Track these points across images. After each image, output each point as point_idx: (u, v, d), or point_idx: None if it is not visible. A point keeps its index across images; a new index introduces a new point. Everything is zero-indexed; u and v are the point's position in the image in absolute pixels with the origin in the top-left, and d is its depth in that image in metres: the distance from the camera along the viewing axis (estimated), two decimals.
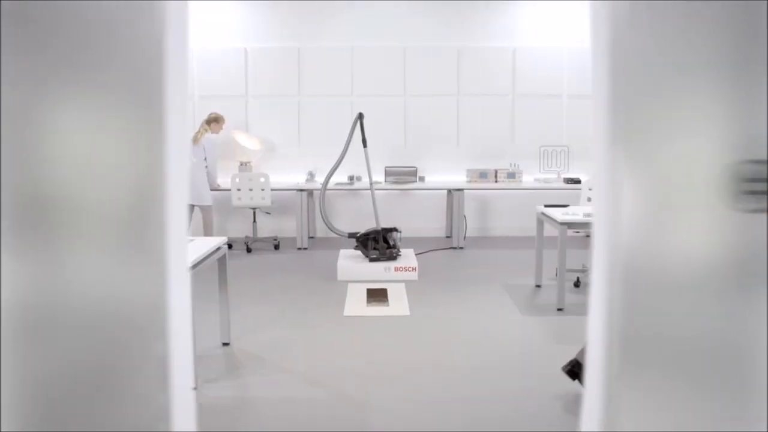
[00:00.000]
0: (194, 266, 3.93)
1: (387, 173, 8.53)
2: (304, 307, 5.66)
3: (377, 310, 5.54)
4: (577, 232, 6.37)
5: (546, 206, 6.10)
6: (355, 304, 5.71)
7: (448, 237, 8.87)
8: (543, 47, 8.78)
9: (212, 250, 4.30)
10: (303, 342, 4.81)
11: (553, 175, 8.83)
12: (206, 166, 7.65)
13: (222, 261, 4.54)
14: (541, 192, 8.75)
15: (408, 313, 5.47)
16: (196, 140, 7.67)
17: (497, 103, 8.84)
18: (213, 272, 4.55)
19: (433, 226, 8.98)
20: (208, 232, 7.70)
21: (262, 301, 5.81)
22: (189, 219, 7.35)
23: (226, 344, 4.68)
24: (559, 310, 5.53)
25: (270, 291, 6.18)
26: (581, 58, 8.77)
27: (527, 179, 8.79)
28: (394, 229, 6.88)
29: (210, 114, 7.87)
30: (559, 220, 5.46)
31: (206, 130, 7.71)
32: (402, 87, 8.76)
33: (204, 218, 7.76)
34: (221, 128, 7.97)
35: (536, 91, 8.83)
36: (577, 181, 8.49)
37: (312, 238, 8.80)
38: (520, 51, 8.76)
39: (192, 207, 7.68)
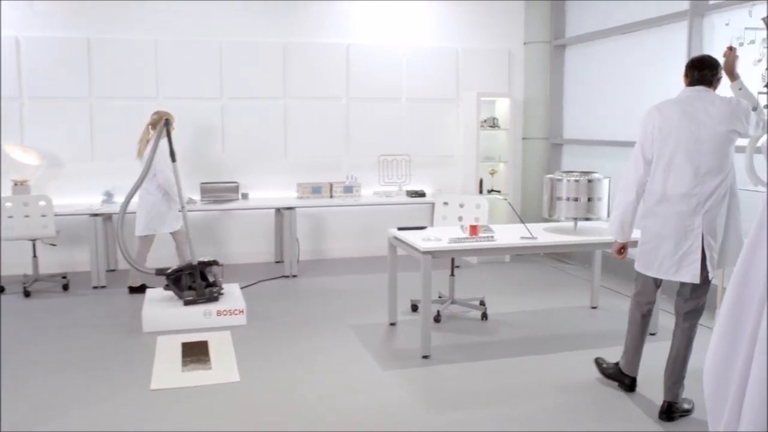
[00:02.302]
0: None
1: (203, 190, 7.14)
2: (94, 378, 4.21)
3: (196, 376, 4.22)
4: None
5: (400, 229, 5.11)
6: (167, 368, 4.35)
7: (278, 262, 7.66)
8: (380, 45, 7.84)
9: None
10: None
11: (395, 188, 7.93)
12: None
13: None
14: (383, 207, 7.83)
15: (237, 377, 4.21)
16: (140, 153, 6.13)
17: (330, 107, 7.78)
18: None
19: (261, 250, 7.72)
20: (183, 257, 6.22)
21: (36, 373, 4.28)
22: (146, 250, 6.21)
23: None
24: (425, 357, 4.55)
25: (48, 355, 4.63)
26: (421, 58, 7.96)
27: (366, 193, 7.81)
28: (214, 263, 5.57)
29: (155, 114, 6.18)
30: (422, 249, 4.48)
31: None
32: (218, 88, 7.42)
33: (179, 244, 6.27)
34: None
35: (373, 93, 7.87)
36: (421, 194, 7.66)
37: (112, 271, 7.19)
38: (355, 48, 7.76)
39: (151, 237, 6.21)
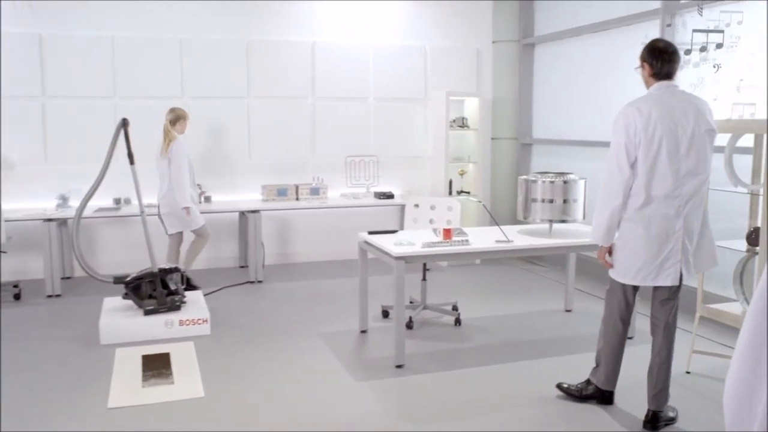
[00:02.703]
0: None
1: None
2: (46, 396, 3.94)
3: (157, 392, 3.98)
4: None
5: (371, 233, 4.93)
6: (125, 384, 4.10)
7: (243, 267, 7.42)
8: (346, 43, 7.65)
9: None
10: None
11: (362, 189, 7.74)
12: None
13: None
14: (350, 209, 7.64)
15: (201, 393, 3.98)
16: (165, 152, 6.00)
17: (295, 107, 7.56)
18: None
19: (224, 255, 7.47)
20: (187, 262, 6.32)
21: None
22: (177, 248, 6.26)
23: None
24: (399, 367, 4.37)
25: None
26: (389, 56, 7.79)
27: (333, 195, 7.62)
28: (176, 270, 5.32)
29: (171, 111, 6.11)
30: (395, 254, 4.30)
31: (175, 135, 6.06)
32: (179, 87, 7.14)
33: (196, 241, 6.32)
34: (186, 127, 6.21)
35: (339, 93, 7.67)
36: (390, 196, 7.49)
37: (68, 278, 6.87)
38: (320, 47, 7.56)
39: (180, 234, 6.26)
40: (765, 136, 3.90)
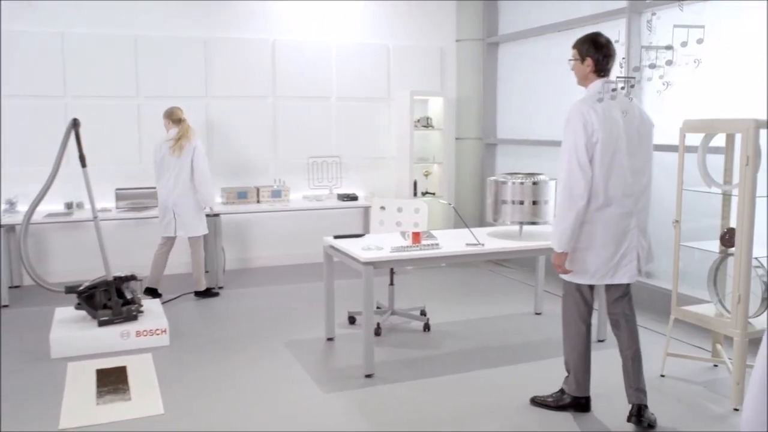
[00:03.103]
0: None
1: (119, 197, 6.61)
2: None
3: (114, 410, 3.74)
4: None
5: (336, 237, 4.75)
6: (79, 401, 3.85)
7: None
8: (307, 41, 7.46)
9: None
10: None
11: (325, 191, 7.56)
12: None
13: None
14: (313, 212, 7.45)
15: (161, 409, 3.76)
16: (180, 149, 5.91)
17: (255, 106, 7.33)
18: None
19: (183, 260, 7.15)
20: (199, 270, 6.16)
21: None
22: (166, 254, 6.10)
23: None
24: (369, 376, 4.21)
25: None
26: (351, 55, 7.62)
27: (295, 197, 7.42)
28: (132, 277, 5.07)
29: (172, 110, 6.07)
30: (363, 260, 4.14)
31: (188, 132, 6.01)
32: (134, 86, 6.86)
33: (193, 253, 6.15)
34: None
35: (301, 92, 7.47)
36: (353, 198, 7.32)
37: (16, 287, 6.54)
38: (281, 45, 7.34)
39: (172, 239, 6.09)
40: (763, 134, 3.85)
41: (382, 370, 4.32)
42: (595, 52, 3.41)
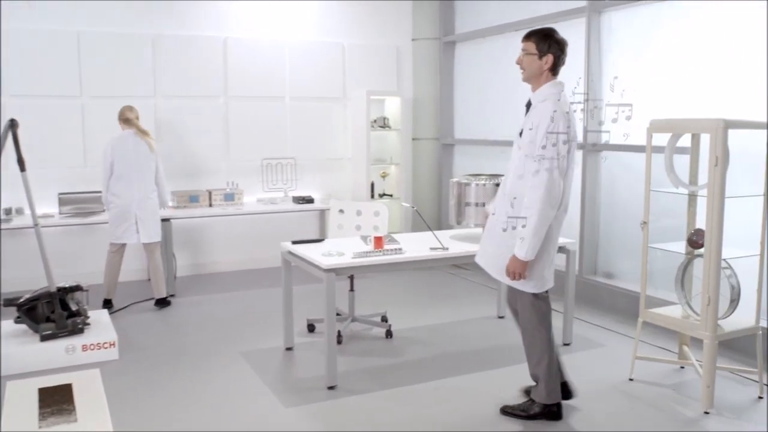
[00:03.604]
0: None
1: (62, 202, 6.27)
2: None
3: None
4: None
5: (295, 242, 4.56)
6: (18, 424, 3.56)
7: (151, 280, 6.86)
8: (260, 39, 7.22)
9: None
10: None
11: (280, 194, 7.34)
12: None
13: None
14: (268, 216, 7.23)
15: (110, 428, 3.50)
16: (149, 146, 5.71)
17: (206, 107, 7.07)
18: None
19: (131, 267, 6.87)
20: (160, 276, 5.86)
21: None
22: (119, 262, 5.78)
23: None
24: (331, 388, 4.03)
25: None
26: (305, 53, 7.42)
27: (249, 200, 7.18)
28: (78, 288, 4.78)
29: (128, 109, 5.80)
30: (325, 267, 3.96)
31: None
32: (77, 85, 6.52)
33: (155, 259, 5.80)
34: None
35: (254, 92, 7.23)
36: (309, 200, 7.12)
37: None
38: (233, 43, 7.09)
39: (124, 246, 5.77)
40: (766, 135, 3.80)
41: (345, 380, 4.14)
42: (558, 50, 3.30)
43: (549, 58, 3.28)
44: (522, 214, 3.26)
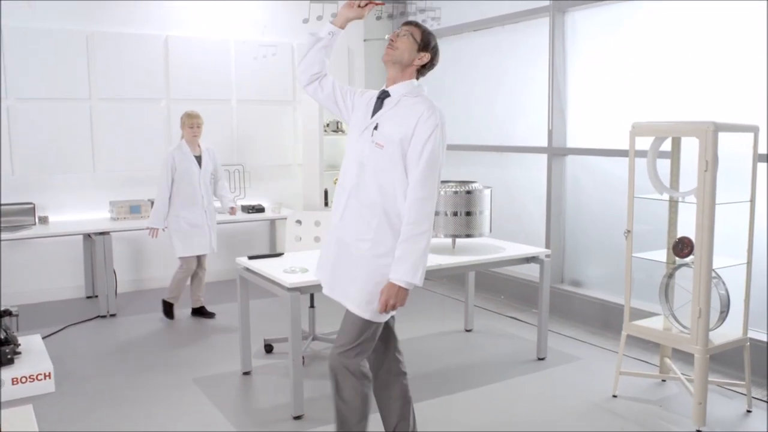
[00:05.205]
0: None
1: None
2: None
3: None
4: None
5: (251, 258, 4.19)
6: None
7: (90, 298, 6.35)
8: (204, 38, 6.79)
9: None
10: None
11: None
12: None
13: None
14: (217, 226, 6.76)
15: None
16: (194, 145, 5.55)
17: (147, 110, 6.59)
18: None
19: (67, 285, 6.35)
20: (199, 288, 5.73)
21: None
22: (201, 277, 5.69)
23: None
24: (298, 418, 3.68)
25: None
26: (252, 53, 7.02)
27: None
28: (7, 312, 4.26)
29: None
30: (289, 285, 3.60)
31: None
32: (2, 86, 5.96)
33: (202, 272, 5.70)
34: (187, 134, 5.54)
35: (198, 94, 6.79)
36: (260, 209, 6.72)
37: None
38: (175, 42, 6.64)
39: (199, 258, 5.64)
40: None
41: (312, 408, 3.79)
42: (434, 57, 2.88)
43: (426, 58, 2.86)
44: (410, 231, 2.68)
